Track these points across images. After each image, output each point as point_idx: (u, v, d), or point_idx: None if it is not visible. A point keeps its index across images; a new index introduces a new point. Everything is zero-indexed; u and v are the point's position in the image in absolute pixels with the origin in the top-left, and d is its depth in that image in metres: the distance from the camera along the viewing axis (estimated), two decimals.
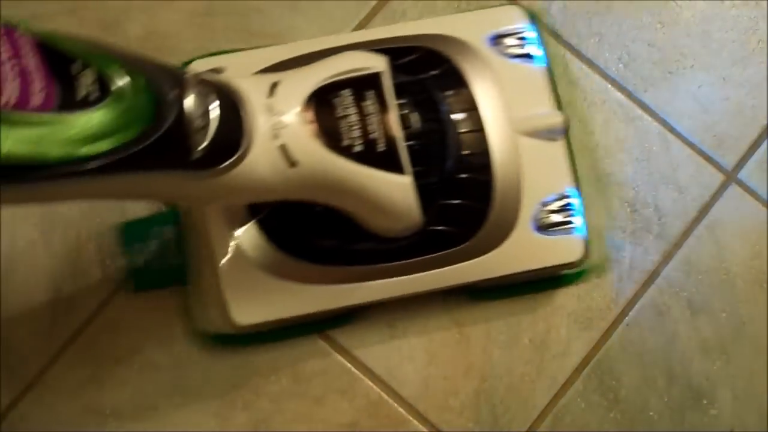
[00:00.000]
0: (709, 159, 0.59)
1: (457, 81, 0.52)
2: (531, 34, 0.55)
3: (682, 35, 0.60)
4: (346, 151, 0.42)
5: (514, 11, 0.56)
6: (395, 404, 0.56)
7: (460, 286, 0.53)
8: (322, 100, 0.43)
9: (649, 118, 0.59)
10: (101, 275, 0.57)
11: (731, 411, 0.57)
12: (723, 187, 0.59)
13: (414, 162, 0.44)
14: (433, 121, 0.49)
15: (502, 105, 0.52)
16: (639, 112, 0.60)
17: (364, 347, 0.57)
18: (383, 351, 0.57)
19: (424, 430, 0.56)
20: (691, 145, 0.59)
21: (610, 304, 0.57)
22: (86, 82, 0.33)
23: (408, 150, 0.44)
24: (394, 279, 0.52)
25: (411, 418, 0.56)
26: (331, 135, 0.42)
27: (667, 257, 0.58)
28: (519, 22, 0.55)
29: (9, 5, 0.59)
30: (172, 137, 0.36)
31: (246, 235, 0.51)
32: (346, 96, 0.43)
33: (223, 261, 0.51)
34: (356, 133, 0.42)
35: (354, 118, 0.42)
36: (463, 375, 0.56)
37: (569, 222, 0.53)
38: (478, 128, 0.51)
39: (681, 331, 0.57)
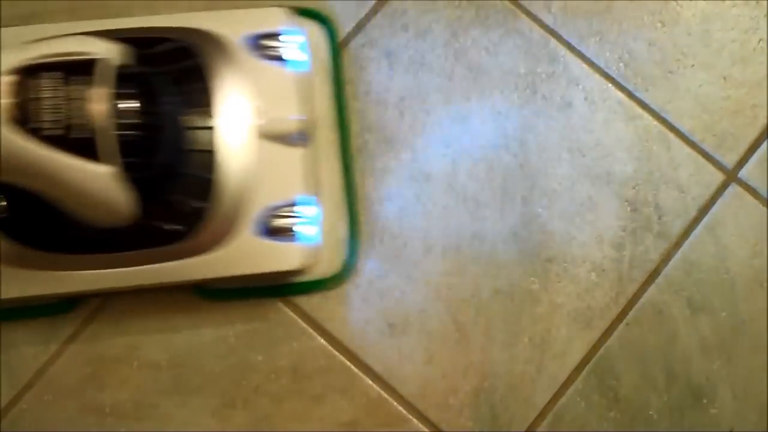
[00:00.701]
0: (709, 158, 0.59)
1: (200, 77, 0.51)
2: (297, 38, 0.54)
3: (683, 35, 0.60)
4: (39, 133, 0.41)
5: (280, 13, 0.54)
6: (395, 403, 0.56)
7: (181, 284, 0.52)
8: (27, 79, 0.41)
9: (650, 118, 0.59)
10: None
11: (731, 410, 0.57)
12: (723, 187, 0.59)
13: (127, 153, 0.43)
14: (152, 114, 0.46)
15: (245, 105, 0.51)
16: (639, 111, 0.60)
17: (363, 344, 0.57)
18: (383, 350, 0.57)
19: (424, 428, 0.56)
20: (691, 145, 0.59)
21: (610, 304, 0.58)
22: None
23: (120, 141, 0.43)
24: (113, 270, 0.50)
25: (411, 417, 0.56)
26: (27, 115, 0.41)
27: (667, 256, 0.58)
28: (283, 25, 0.54)
29: (9, 5, 0.59)
30: None
31: None
32: (55, 78, 0.41)
33: None
34: (56, 116, 0.41)
35: (57, 101, 0.41)
36: (463, 374, 0.56)
37: (294, 230, 0.51)
38: (209, 126, 0.50)
39: (681, 330, 0.57)
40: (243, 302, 0.57)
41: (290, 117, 0.52)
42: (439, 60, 0.60)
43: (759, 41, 0.60)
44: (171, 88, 0.49)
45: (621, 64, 0.60)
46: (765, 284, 0.58)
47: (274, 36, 0.53)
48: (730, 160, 0.59)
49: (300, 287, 0.56)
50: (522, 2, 0.60)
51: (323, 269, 0.56)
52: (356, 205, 0.57)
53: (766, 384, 0.57)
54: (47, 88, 0.42)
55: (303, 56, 0.54)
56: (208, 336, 0.56)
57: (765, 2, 0.61)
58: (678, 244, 0.58)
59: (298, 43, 0.54)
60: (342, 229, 0.57)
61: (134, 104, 0.45)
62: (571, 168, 0.59)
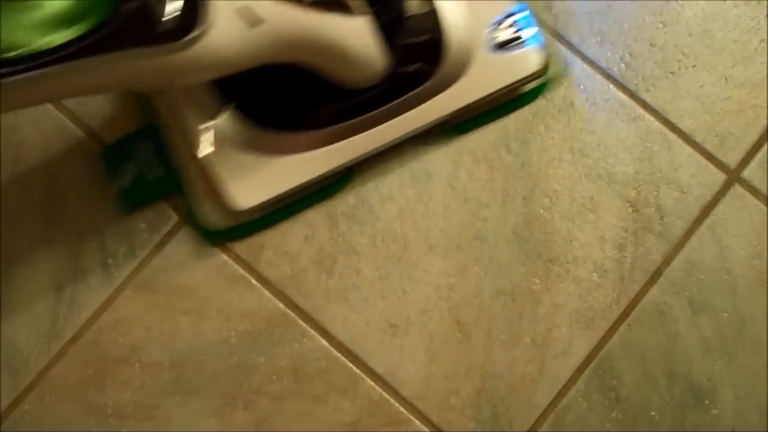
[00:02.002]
0: (711, 158, 0.59)
1: None
2: None
3: (684, 35, 0.60)
4: (303, 2, 0.43)
5: None
6: (396, 403, 0.56)
7: (436, 123, 0.54)
8: None
9: (651, 118, 0.59)
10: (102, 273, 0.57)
11: (733, 410, 0.57)
12: (725, 187, 0.59)
13: (369, 1, 0.45)
14: None
15: None
16: (641, 111, 0.59)
17: (364, 345, 0.57)
18: (384, 350, 0.57)
19: (425, 429, 0.56)
20: (693, 145, 0.59)
21: (611, 304, 0.57)
22: None
23: None
24: (375, 129, 0.53)
25: (412, 418, 0.56)
26: None
27: (668, 257, 0.58)
28: None
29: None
30: (135, 13, 0.36)
31: (225, 122, 0.52)
32: None
33: (209, 152, 0.52)
34: None
35: None
36: (464, 374, 0.56)
37: (521, 36, 0.54)
38: None
39: (682, 330, 0.57)
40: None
41: None
42: None
43: (760, 42, 0.60)
44: None
45: (622, 65, 0.60)
46: (766, 285, 0.58)
47: None
48: (731, 160, 0.59)
49: (535, 92, 0.58)
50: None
51: (551, 68, 0.58)
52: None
53: None
54: None
55: None
56: (210, 337, 0.56)
57: (766, 2, 0.61)
58: (680, 245, 0.58)
59: None
60: (550, 25, 0.59)
61: None
62: (573, 168, 0.59)
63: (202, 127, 0.52)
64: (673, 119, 0.59)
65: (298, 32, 0.43)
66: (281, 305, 0.57)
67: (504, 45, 0.54)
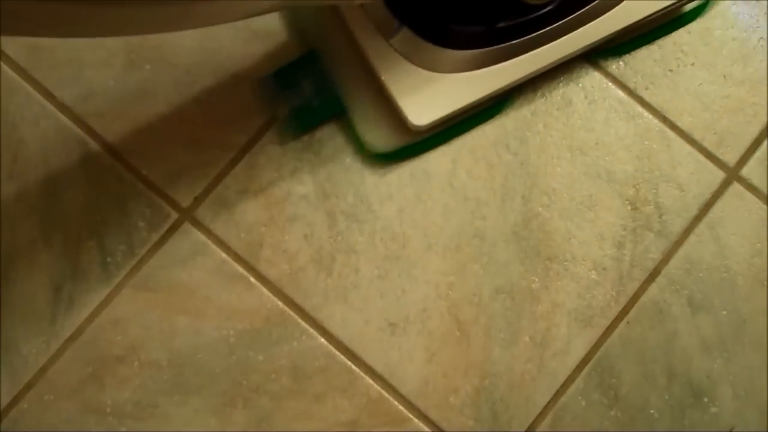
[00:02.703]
0: (710, 156, 0.59)
1: None
2: None
3: (683, 33, 0.60)
4: None
5: None
6: (395, 402, 0.56)
7: (604, 41, 0.55)
8: None
9: (650, 116, 0.59)
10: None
11: (732, 409, 0.57)
12: (724, 185, 0.59)
13: None
14: None
15: None
16: (639, 109, 0.59)
17: (364, 343, 0.57)
18: (383, 349, 0.57)
19: (425, 428, 0.56)
20: (692, 143, 0.59)
21: (610, 302, 0.57)
22: None
23: None
24: (546, 47, 0.53)
25: (411, 416, 0.56)
26: None
27: (667, 255, 0.58)
28: None
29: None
30: None
31: (400, 40, 0.52)
32: None
33: (387, 69, 0.53)
34: None
35: None
36: (464, 373, 0.56)
37: None
38: None
39: (681, 329, 0.57)
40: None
41: None
42: None
43: (759, 40, 0.60)
44: None
45: (621, 63, 0.60)
46: (766, 283, 0.58)
47: None
48: (730, 158, 0.59)
49: (695, 12, 0.59)
50: None
51: None
52: None
53: (767, 382, 0.57)
54: None
55: None
56: (209, 336, 0.56)
57: (765, 1, 0.61)
58: (679, 243, 0.58)
59: None
60: None
61: None
62: (571, 166, 0.59)
63: (381, 45, 0.53)
64: (672, 117, 0.59)
65: None
66: (280, 304, 0.57)
67: None
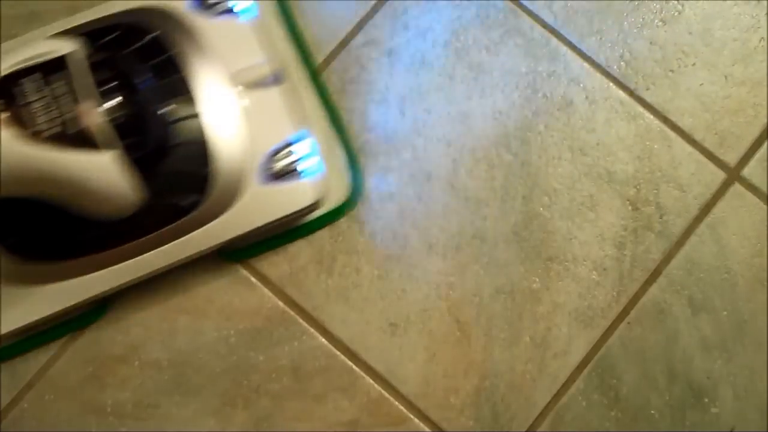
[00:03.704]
0: (710, 157, 0.59)
1: (161, 49, 0.51)
2: None
3: (684, 33, 0.60)
4: (40, 136, 0.42)
5: None
6: (396, 402, 0.56)
7: (204, 253, 0.52)
8: (10, 89, 0.42)
9: (651, 116, 0.59)
10: None
11: (732, 409, 0.57)
12: (725, 186, 0.59)
13: (122, 135, 0.44)
14: (133, 93, 0.47)
15: (212, 64, 0.51)
16: (640, 110, 0.59)
17: (364, 343, 0.57)
18: (384, 349, 0.57)
19: (425, 428, 0.56)
20: (692, 143, 0.59)
21: (611, 303, 0.57)
22: None
23: (110, 125, 0.43)
24: (136, 259, 0.51)
25: (411, 416, 0.56)
26: (23, 121, 0.42)
27: (668, 256, 0.58)
28: None
29: (9, 5, 0.59)
30: None
31: None
32: (36, 80, 0.42)
33: None
34: (49, 115, 0.42)
35: (45, 101, 0.42)
36: (464, 373, 0.56)
37: (297, 168, 0.52)
38: (186, 92, 0.50)
39: (682, 329, 0.57)
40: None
41: (258, 62, 0.53)
42: (440, 59, 0.60)
43: (760, 40, 0.60)
44: (139, 66, 0.49)
45: (622, 63, 0.60)
46: (766, 283, 0.58)
47: None
48: (731, 158, 0.59)
49: (319, 222, 0.57)
50: (522, 1, 0.60)
51: (335, 198, 0.57)
52: (345, 128, 0.58)
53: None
54: (32, 91, 0.42)
55: (246, 4, 0.55)
56: (209, 336, 0.56)
57: (765, 1, 0.61)
58: (679, 243, 0.58)
59: None
60: (340, 155, 0.57)
61: (115, 86, 0.46)
62: (572, 167, 0.59)
63: None
64: (673, 118, 0.59)
65: (34, 168, 0.42)
66: (281, 304, 0.57)
67: (279, 176, 0.52)
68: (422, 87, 0.59)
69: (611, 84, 0.60)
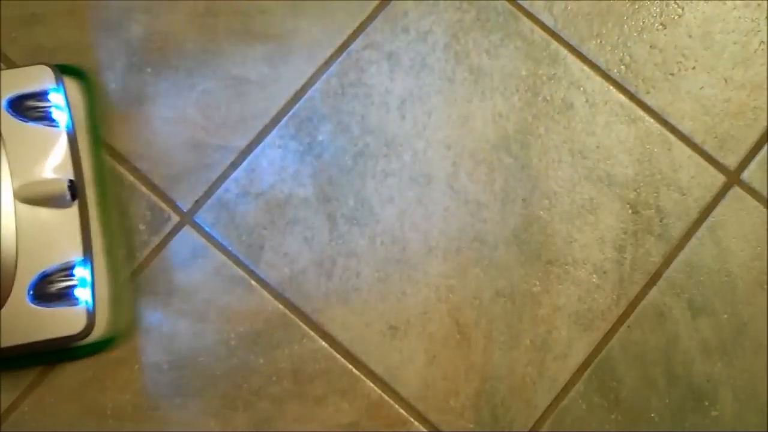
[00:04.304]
0: (710, 160, 0.59)
1: None
2: (57, 97, 0.52)
3: (684, 36, 0.60)
4: None
5: (43, 72, 0.53)
6: (396, 405, 0.56)
7: None
8: None
9: (651, 120, 0.59)
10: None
11: (732, 412, 0.57)
12: (724, 189, 0.59)
13: None
14: None
15: (6, 171, 0.50)
16: (640, 113, 0.59)
17: (364, 346, 0.57)
18: (384, 352, 0.57)
19: (425, 430, 0.56)
20: (692, 147, 0.59)
21: (611, 306, 0.57)
22: None
23: None
24: None
25: (411, 419, 0.56)
26: None
27: (668, 259, 0.58)
28: (46, 84, 0.52)
29: (9, 5, 0.59)
30: None
31: None
32: None
33: None
34: None
35: None
36: (464, 376, 0.56)
37: (71, 294, 0.50)
38: None
39: (682, 332, 0.57)
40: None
41: (57, 178, 0.51)
42: (440, 62, 0.60)
43: (760, 43, 0.60)
44: None
45: (622, 66, 0.60)
46: (766, 286, 0.58)
47: (38, 96, 0.52)
48: (731, 162, 0.59)
49: (84, 350, 0.55)
50: (523, 4, 0.60)
51: (105, 329, 0.54)
52: (119, 264, 0.56)
53: (767, 386, 0.57)
54: None
55: (65, 115, 0.52)
56: (209, 338, 0.56)
57: (766, 4, 0.61)
58: (679, 246, 0.58)
59: (60, 102, 0.52)
60: (110, 286, 0.55)
61: None
62: (572, 170, 0.59)
63: None
64: (673, 121, 0.59)
65: None
66: (281, 307, 0.57)
67: (48, 298, 0.50)
68: (422, 90, 0.59)
69: (611, 87, 0.60)
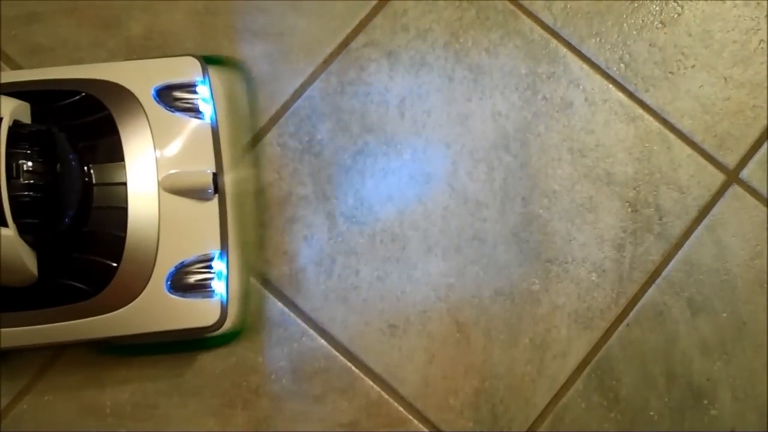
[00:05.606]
0: (710, 159, 0.59)
1: (109, 130, 0.50)
2: (203, 89, 0.52)
3: (684, 35, 0.60)
4: None
5: (192, 63, 0.53)
6: (395, 403, 0.56)
7: (90, 341, 0.51)
8: None
9: (650, 118, 0.59)
10: None
11: (731, 411, 0.57)
12: (724, 187, 0.59)
13: (24, 214, 0.43)
14: (51, 174, 0.45)
15: (153, 160, 0.50)
16: (640, 111, 0.59)
17: (363, 345, 0.57)
18: (383, 350, 0.57)
19: (424, 429, 0.56)
20: (692, 145, 0.59)
21: (610, 304, 0.57)
22: None
23: (15, 202, 0.42)
24: (30, 327, 0.49)
25: (411, 418, 0.56)
26: None
27: (667, 257, 0.58)
28: (193, 76, 0.52)
29: (9, 5, 0.59)
30: None
31: None
32: None
33: None
34: None
35: None
36: (463, 374, 0.56)
37: (208, 285, 0.50)
38: (118, 182, 0.49)
39: (681, 331, 0.57)
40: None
41: (202, 170, 0.51)
42: (440, 61, 0.60)
43: (760, 42, 0.60)
44: (79, 143, 0.48)
45: (621, 65, 0.60)
46: (765, 285, 0.58)
47: (186, 87, 0.52)
48: (730, 160, 0.59)
49: (213, 341, 0.55)
50: (522, 3, 0.60)
51: (233, 321, 0.54)
52: (253, 257, 0.56)
53: (767, 385, 0.57)
54: None
55: (210, 107, 0.52)
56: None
57: (765, 3, 0.61)
58: (678, 245, 0.58)
59: (206, 95, 0.52)
60: (242, 282, 0.56)
61: (29, 165, 0.44)
62: (572, 169, 0.59)
63: None
64: (673, 119, 0.59)
65: None
66: (280, 305, 0.57)
67: (185, 288, 0.50)
68: (422, 88, 0.59)
69: (611, 86, 0.60)
